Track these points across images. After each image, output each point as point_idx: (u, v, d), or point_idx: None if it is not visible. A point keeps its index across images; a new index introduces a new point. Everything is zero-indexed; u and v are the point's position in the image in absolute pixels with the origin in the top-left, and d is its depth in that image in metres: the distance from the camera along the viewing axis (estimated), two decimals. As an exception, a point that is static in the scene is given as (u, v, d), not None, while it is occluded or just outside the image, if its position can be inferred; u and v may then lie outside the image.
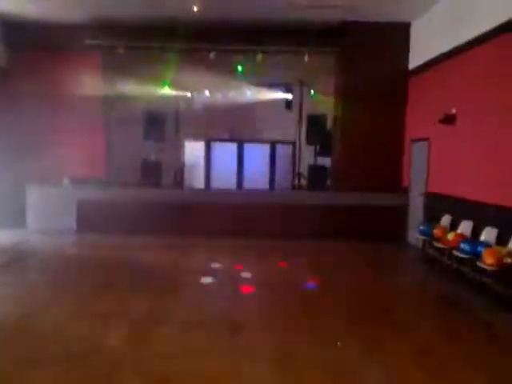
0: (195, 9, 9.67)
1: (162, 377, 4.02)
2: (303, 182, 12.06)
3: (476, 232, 7.49)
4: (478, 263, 6.58)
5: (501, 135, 7.09)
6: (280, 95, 12.72)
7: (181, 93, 12.45)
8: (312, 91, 12.38)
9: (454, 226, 8.23)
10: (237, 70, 11.71)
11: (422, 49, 10.11)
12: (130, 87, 11.36)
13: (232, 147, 11.62)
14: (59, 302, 5.94)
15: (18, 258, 8.49)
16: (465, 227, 7.83)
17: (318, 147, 11.69)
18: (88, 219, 10.60)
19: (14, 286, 6.66)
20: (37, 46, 11.11)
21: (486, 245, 6.79)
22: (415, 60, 10.49)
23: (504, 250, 6.37)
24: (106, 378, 4.00)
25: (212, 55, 10.95)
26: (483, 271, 6.73)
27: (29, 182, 10.77)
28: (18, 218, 10.73)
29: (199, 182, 11.51)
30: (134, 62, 10.96)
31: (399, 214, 10.69)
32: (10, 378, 3.96)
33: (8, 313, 5.52)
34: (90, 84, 11.14)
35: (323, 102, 11.96)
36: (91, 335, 4.89)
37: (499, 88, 7.16)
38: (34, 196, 10.79)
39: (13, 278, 7.13)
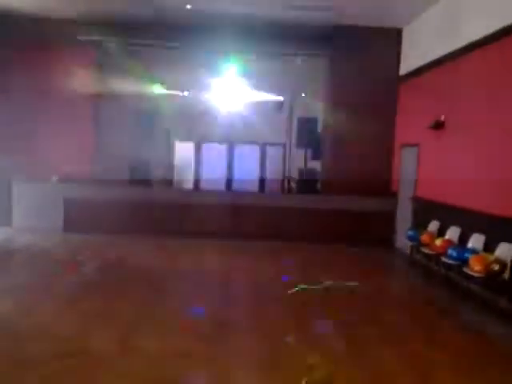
0: (188, 6, 9.65)
1: (150, 378, 3.98)
2: (293, 185, 12.07)
3: (464, 238, 7.54)
4: (465, 269, 6.62)
5: (489, 142, 7.14)
6: (271, 97, 12.70)
7: (172, 92, 12.39)
8: (303, 94, 12.40)
9: (441, 232, 8.28)
10: (227, 72, 11.67)
11: (413, 55, 10.18)
12: (122, 85, 11.27)
13: (222, 148, 11.59)
14: (45, 302, 5.85)
15: (2, 257, 8.36)
16: (452, 233, 7.88)
17: (308, 151, 11.69)
18: (75, 218, 10.48)
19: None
20: (27, 41, 10.97)
21: (474, 251, 6.83)
22: (406, 66, 10.56)
23: (491, 257, 6.42)
24: (92, 378, 3.95)
25: (204, 56, 10.92)
26: (470, 277, 6.78)
27: (15, 178, 10.63)
28: (4, 216, 10.59)
29: (188, 183, 11.46)
30: (127, 59, 10.88)
31: (388, 219, 10.73)
32: (1, 380, 3.90)
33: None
34: (80, 80, 11.05)
35: (314, 105, 11.98)
36: (77, 336, 4.83)
37: (488, 95, 7.23)
38: (21, 193, 10.65)
39: (-3, 276, 7.03)
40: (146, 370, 4.16)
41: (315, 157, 11.72)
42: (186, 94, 12.56)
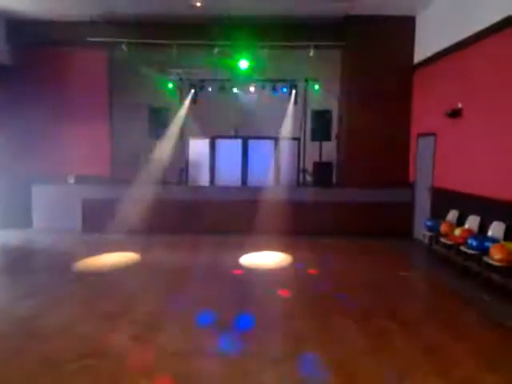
0: (198, 4, 9.64)
1: (170, 376, 4.00)
2: (308, 178, 12.00)
3: (483, 227, 7.42)
4: (486, 259, 6.52)
5: (509, 128, 7.00)
6: (284, 90, 12.61)
7: (186, 89, 12.40)
8: (317, 86, 12.29)
9: (461, 222, 8.16)
10: (240, 66, 11.60)
11: (428, 42, 10.01)
12: (135, 84, 11.34)
13: (236, 144, 11.55)
14: (67, 303, 5.93)
15: (24, 258, 8.50)
16: (472, 222, 7.76)
17: (322, 144, 11.59)
18: (93, 218, 10.60)
19: (21, 286, 6.66)
20: (40, 43, 11.11)
21: (494, 240, 6.73)
22: (420, 54, 10.39)
23: (512, 246, 6.31)
24: (112, 378, 3.99)
25: (216, 51, 10.88)
26: (491, 267, 6.67)
27: (34, 180, 10.79)
28: (24, 217, 10.77)
29: (204, 180, 11.46)
30: (139, 58, 10.92)
31: (405, 210, 10.62)
32: (22, 380, 3.95)
33: (16, 314, 5.51)
34: (94, 81, 11.16)
35: (328, 97, 11.87)
36: (97, 335, 4.88)
37: (506, 80, 7.07)
38: (40, 195, 10.80)
39: (20, 278, 7.13)
40: (166, 367, 4.18)
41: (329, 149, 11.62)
42: (199, 90, 12.57)
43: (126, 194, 10.64)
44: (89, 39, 10.79)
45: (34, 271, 7.64)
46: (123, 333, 4.93)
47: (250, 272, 7.56)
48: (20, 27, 10.99)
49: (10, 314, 5.49)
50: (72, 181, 10.92)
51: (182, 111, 12.15)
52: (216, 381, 3.98)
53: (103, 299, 6.05)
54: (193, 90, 12.50)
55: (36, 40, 11.10)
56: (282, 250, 9.07)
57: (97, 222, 10.56)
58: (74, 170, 11.01)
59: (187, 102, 12.35)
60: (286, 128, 12.18)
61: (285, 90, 12.34)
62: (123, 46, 10.83)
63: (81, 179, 10.97)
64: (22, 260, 8.34)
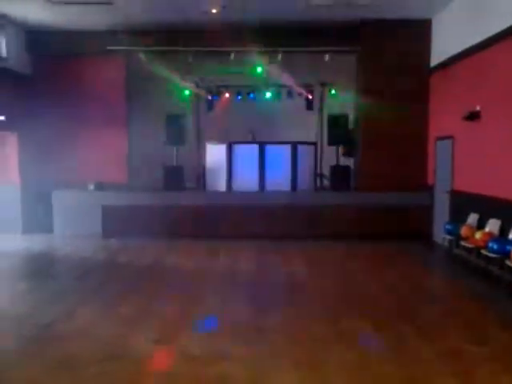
0: (214, 10, 9.73)
1: (190, 380, 4.04)
2: (326, 182, 11.99)
3: (504, 230, 7.33)
4: (507, 262, 6.44)
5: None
6: (300, 95, 12.64)
7: (203, 94, 12.52)
8: (333, 91, 12.29)
9: (481, 225, 8.08)
10: (256, 70, 11.66)
11: (444, 45, 9.95)
12: (152, 92, 11.50)
13: (253, 149, 11.60)
14: (88, 307, 6.02)
15: (46, 263, 8.65)
16: (493, 226, 7.67)
17: (340, 148, 11.57)
18: (113, 223, 10.74)
19: (42, 290, 6.78)
20: (59, 52, 11.34)
21: (515, 243, 6.64)
22: (437, 57, 10.33)
23: (534, 249, 6.22)
24: (132, 381, 4.03)
25: (232, 56, 10.96)
26: (513, 270, 6.60)
27: (54, 187, 10.99)
28: (46, 223, 10.96)
29: (221, 185, 11.53)
30: (157, 65, 11.07)
31: (424, 213, 10.54)
32: (42, 382, 4.02)
33: (37, 318, 5.60)
34: (112, 89, 11.36)
35: (344, 101, 11.87)
36: (116, 339, 4.94)
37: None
38: (61, 201, 10.99)
39: (41, 282, 7.25)
40: (186, 371, 4.22)
41: (348, 153, 11.60)
42: (215, 96, 12.68)
43: (144, 200, 10.79)
44: (108, 48, 10.97)
45: (55, 276, 7.77)
46: (144, 336, 4.98)
47: (271, 275, 7.58)
48: (39, 37, 11.23)
49: (33, 318, 5.59)
50: (92, 187, 11.08)
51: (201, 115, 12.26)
52: (236, 384, 4.00)
53: (124, 303, 6.11)
54: (209, 97, 12.63)
55: (55, 50, 11.34)
56: (297, 255, 9.08)
57: (116, 227, 10.71)
58: (93, 177, 11.17)
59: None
60: (303, 133, 12.20)
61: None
62: (141, 55, 10.99)
63: (100, 186, 11.13)
64: (44, 265, 8.48)
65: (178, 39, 11.06)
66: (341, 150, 11.63)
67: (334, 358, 4.47)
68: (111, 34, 11.05)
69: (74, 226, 10.89)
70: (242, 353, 4.59)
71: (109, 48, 10.99)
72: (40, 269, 8.25)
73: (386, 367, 4.29)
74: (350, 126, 11.51)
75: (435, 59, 10.45)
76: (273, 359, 4.46)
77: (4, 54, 10.39)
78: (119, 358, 4.44)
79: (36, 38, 11.26)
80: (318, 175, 11.94)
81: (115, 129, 11.55)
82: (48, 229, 10.99)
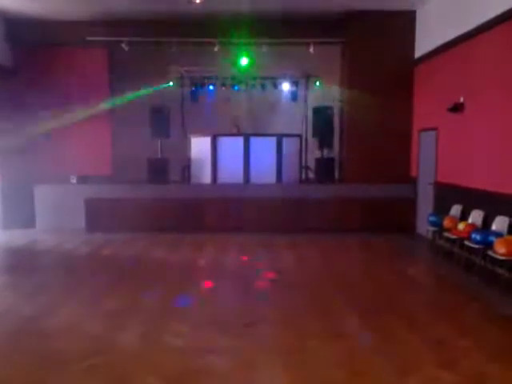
0: (197, 0, 9.61)
1: (177, 373, 4.02)
2: (311, 174, 12.00)
3: (487, 221, 7.42)
4: (490, 253, 6.52)
5: (510, 124, 6.98)
6: (285, 87, 12.61)
7: (187, 87, 12.39)
8: (318, 83, 12.28)
9: (464, 216, 8.16)
10: (240, 63, 11.58)
11: (428, 36, 9.99)
12: (136, 83, 11.35)
13: (238, 141, 11.55)
14: (72, 301, 5.95)
15: (29, 258, 8.52)
16: (475, 217, 7.75)
17: (324, 140, 11.58)
18: (97, 217, 10.62)
19: (26, 285, 6.67)
20: (41, 43, 11.11)
21: (498, 234, 6.72)
22: (421, 48, 10.37)
23: (516, 240, 6.30)
24: (119, 376, 4.00)
25: (216, 48, 10.86)
26: (495, 261, 6.68)
27: (36, 181, 10.81)
28: (28, 218, 10.79)
29: (206, 178, 11.47)
30: (140, 56, 10.93)
31: (408, 205, 10.62)
32: (26, 379, 3.97)
33: (21, 313, 5.52)
34: (95, 80, 11.18)
35: (329, 93, 11.86)
36: (103, 334, 4.89)
37: (509, 74, 7.05)
38: (43, 195, 10.82)
39: (25, 277, 7.14)
40: (173, 364, 4.19)
41: (332, 145, 11.61)
42: (199, 87, 12.56)
43: (128, 193, 10.68)
44: (88, 38, 10.79)
45: (38, 271, 7.65)
46: (130, 331, 4.94)
47: (257, 267, 7.58)
48: (19, 27, 10.97)
49: (15, 313, 5.50)
50: (74, 181, 10.92)
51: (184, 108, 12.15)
52: (225, 377, 3.98)
53: (109, 297, 6.05)
54: (193, 88, 12.51)
55: (35, 40, 11.10)
56: (283, 248, 9.10)
57: (100, 221, 10.59)
58: (75, 170, 11.02)
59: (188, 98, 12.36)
60: (288, 125, 12.19)
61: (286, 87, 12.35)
62: (123, 45, 10.83)
63: (83, 179, 10.98)
64: (26, 260, 8.35)
65: (161, 30, 10.91)
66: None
67: (321, 349, 4.49)
68: (94, 24, 10.87)
69: (57, 221, 10.74)
70: (228, 345, 4.58)
71: (91, 38, 10.80)
72: (22, 263, 8.12)
73: (374, 358, 4.32)
74: (335, 117, 11.52)
75: (419, 51, 10.49)
76: (259, 351, 4.45)
77: (-18, 44, 10.16)
78: (106, 353, 4.40)
79: (16, 29, 11.00)
80: (303, 167, 11.95)
81: (98, 121, 11.37)
82: (30, 224, 10.82)
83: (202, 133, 11.73)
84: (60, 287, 6.61)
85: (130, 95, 11.35)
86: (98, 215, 10.61)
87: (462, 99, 8.40)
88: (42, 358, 4.31)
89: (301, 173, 11.87)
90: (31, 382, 3.91)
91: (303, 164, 11.93)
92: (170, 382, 3.88)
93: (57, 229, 10.58)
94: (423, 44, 10.27)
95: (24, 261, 8.29)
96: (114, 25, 10.82)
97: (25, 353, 4.43)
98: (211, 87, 12.41)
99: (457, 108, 8.45)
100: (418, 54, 10.58)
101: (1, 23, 10.85)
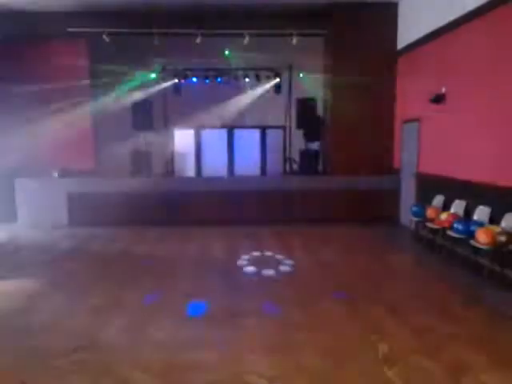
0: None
1: (162, 367, 4.01)
2: (295, 166, 12.03)
3: (469, 211, 7.52)
4: (472, 242, 6.62)
5: (492, 113, 7.07)
6: (268, 79, 12.57)
7: (169, 78, 12.28)
8: (301, 74, 12.27)
9: (446, 206, 8.26)
10: (224, 54, 11.51)
11: (410, 28, 10.03)
12: (118, 75, 11.20)
13: (222, 134, 11.52)
14: (55, 296, 5.89)
15: (10, 253, 8.40)
16: (457, 207, 7.86)
17: (307, 132, 11.60)
18: (79, 211, 10.50)
19: (8, 281, 6.58)
20: (19, 34, 10.84)
21: (479, 224, 6.82)
22: (404, 40, 10.41)
23: (497, 229, 6.41)
24: (105, 370, 3.97)
25: (198, 40, 10.76)
26: (477, 250, 6.79)
27: (17, 175, 10.63)
28: (9, 213, 10.62)
29: (190, 171, 11.42)
30: (121, 48, 10.77)
31: (391, 196, 10.71)
32: (11, 373, 3.92)
33: (4, 308, 5.45)
34: (76, 73, 11.00)
35: (312, 85, 11.86)
36: (88, 328, 4.86)
37: (490, 64, 7.13)
38: (24, 190, 10.65)
39: (6, 272, 7.04)
40: (158, 358, 4.18)
41: (315, 137, 11.63)
42: (182, 80, 12.46)
43: (111, 186, 10.57)
44: (69, 30, 10.60)
45: (19, 266, 7.54)
46: (114, 325, 4.91)
47: (243, 260, 7.58)
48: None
49: (-1, 310, 5.45)
50: (56, 175, 10.77)
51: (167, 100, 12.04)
52: (211, 371, 3.99)
53: (93, 293, 6.00)
54: (176, 80, 12.40)
55: (15, 32, 10.83)
56: (269, 239, 9.12)
57: (83, 215, 10.48)
58: (57, 164, 10.85)
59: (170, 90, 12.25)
60: (272, 116, 12.18)
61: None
62: (104, 36, 10.66)
63: (65, 173, 10.83)
64: (7, 255, 8.23)
65: (143, 20, 10.77)
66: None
67: (307, 341, 4.52)
68: (73, 15, 10.66)
69: (39, 215, 10.59)
70: (215, 339, 4.59)
71: (71, 30, 10.61)
72: (4, 259, 8.00)
73: (360, 346, 4.36)
74: (318, 109, 11.54)
75: (402, 42, 10.54)
76: (246, 344, 4.47)
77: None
78: (91, 348, 4.37)
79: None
80: (287, 159, 11.97)
81: (79, 114, 11.18)
82: (11, 218, 10.65)
83: (185, 125, 11.65)
84: (42, 282, 6.52)
85: (112, 94, 11.21)
86: (81, 209, 10.50)
87: (443, 90, 8.47)
88: (27, 354, 4.26)
89: (285, 165, 11.88)
90: (17, 378, 3.87)
91: (287, 155, 11.94)
92: (156, 377, 3.88)
93: (39, 223, 10.44)
94: (405, 35, 10.32)
95: (5, 256, 8.17)
96: (96, 15, 10.62)
97: (12, 349, 4.39)
98: (194, 79, 12.30)
99: (439, 99, 8.52)
100: (400, 45, 10.63)
101: (-23, 14, 10.59)
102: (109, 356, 4.25)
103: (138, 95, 11.27)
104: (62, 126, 11.01)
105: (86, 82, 11.22)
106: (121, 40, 10.83)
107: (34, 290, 6.20)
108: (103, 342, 4.53)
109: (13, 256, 8.22)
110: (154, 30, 10.66)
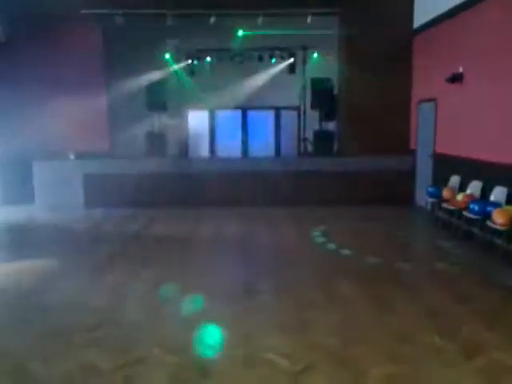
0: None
1: (179, 344, 4.09)
2: (309, 147, 11.97)
3: (485, 192, 7.45)
4: (489, 223, 6.57)
5: (510, 94, 6.94)
6: (282, 59, 12.48)
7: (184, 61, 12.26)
8: (315, 54, 12.14)
9: (462, 187, 8.19)
10: (237, 34, 11.41)
11: (427, 5, 9.81)
12: (131, 56, 11.20)
13: (236, 115, 11.49)
14: (73, 275, 6.00)
15: (29, 233, 8.55)
16: (474, 188, 7.78)
17: (322, 112, 11.51)
18: (95, 193, 10.61)
19: (27, 260, 6.72)
20: (32, 16, 10.84)
21: (496, 205, 6.75)
22: (420, 18, 10.20)
23: (514, 210, 6.34)
24: (122, 348, 4.06)
25: (212, 20, 10.67)
26: (494, 231, 6.73)
27: (34, 156, 10.75)
28: (27, 195, 10.78)
29: (204, 151, 11.45)
30: (135, 30, 10.74)
31: (407, 177, 10.62)
32: (28, 351, 4.03)
33: (22, 287, 5.58)
34: (90, 54, 11.01)
35: (327, 64, 11.74)
36: (105, 307, 4.95)
37: (510, 42, 6.97)
38: (41, 171, 10.79)
39: (25, 252, 7.18)
40: (176, 335, 4.26)
41: (329, 118, 11.53)
42: (196, 62, 12.42)
43: (126, 168, 10.65)
44: (83, 11, 10.58)
45: (38, 246, 7.68)
46: (132, 303, 5.01)
47: (258, 240, 7.63)
48: (12, 3, 10.70)
49: (17, 287, 5.56)
50: (72, 156, 10.88)
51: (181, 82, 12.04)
52: (227, 348, 4.05)
53: (111, 270, 6.11)
54: (190, 61, 12.36)
55: (28, 14, 10.84)
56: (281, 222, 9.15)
57: (99, 196, 10.59)
58: (72, 146, 10.93)
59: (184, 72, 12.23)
60: (286, 97, 12.10)
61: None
62: (117, 18, 10.63)
63: (81, 155, 10.92)
64: (26, 235, 8.38)
65: (156, 1, 10.70)
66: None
67: (321, 319, 4.56)
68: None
69: (56, 197, 10.73)
70: (230, 315, 4.65)
71: (85, 11, 10.59)
72: (22, 239, 8.15)
73: (373, 327, 4.40)
74: (334, 89, 11.41)
75: (418, 20, 10.32)
76: (260, 321, 4.52)
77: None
78: (107, 326, 4.46)
79: (9, 4, 10.73)
80: (301, 140, 11.91)
81: (94, 96, 11.20)
82: (29, 200, 10.82)
83: (199, 106, 11.64)
84: (60, 262, 6.65)
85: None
86: (97, 191, 10.61)
87: (461, 69, 8.32)
88: (50, 332, 4.36)
89: (299, 145, 11.84)
90: (35, 354, 3.97)
91: (301, 136, 11.89)
92: (174, 353, 3.94)
93: (56, 205, 10.58)
94: (422, 14, 10.10)
95: (24, 236, 8.32)
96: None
97: (32, 327, 4.48)
98: (208, 60, 12.25)
99: (456, 78, 8.38)
100: (416, 24, 10.42)
101: (-8, -4, 10.62)
102: (125, 334, 4.33)
103: (152, 76, 11.24)
104: (77, 108, 11.08)
105: (100, 62, 11.22)
106: (134, 22, 10.77)
107: (52, 269, 6.32)
108: (122, 319, 4.62)
109: (31, 236, 8.37)
110: (168, 11, 10.59)
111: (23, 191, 10.80)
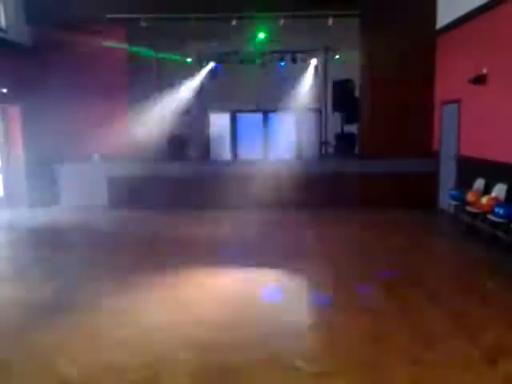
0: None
1: (201, 344, 4.14)
2: (330, 149, 11.95)
3: (511, 195, 7.33)
4: (514, 227, 6.47)
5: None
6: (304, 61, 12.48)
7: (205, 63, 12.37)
8: (337, 56, 12.10)
9: (487, 190, 8.07)
10: (258, 37, 11.46)
11: (451, 6, 9.70)
12: (154, 60, 11.34)
13: (257, 117, 11.54)
14: (97, 277, 6.11)
15: (55, 235, 8.73)
16: (499, 191, 7.66)
17: (344, 115, 11.47)
18: (119, 195, 10.78)
19: (51, 262, 6.86)
20: (59, 22, 11.06)
21: (522, 208, 6.64)
22: (443, 18, 10.09)
23: (541, 213, 6.23)
24: (146, 347, 4.13)
25: (233, 23, 10.73)
26: (518, 235, 6.63)
27: (60, 159, 10.97)
28: (52, 196, 11.01)
29: (226, 154, 11.52)
30: (159, 34, 10.87)
31: (430, 180, 10.51)
32: (64, 346, 4.13)
33: (46, 289, 5.67)
34: (114, 58, 11.17)
35: (349, 66, 11.68)
36: (131, 305, 5.04)
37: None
38: (66, 173, 11.02)
39: (50, 253, 7.32)
40: (198, 336, 4.31)
41: (352, 120, 11.49)
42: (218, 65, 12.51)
43: (149, 170, 10.78)
44: (108, 16, 10.75)
45: (64, 247, 7.84)
46: (154, 303, 5.09)
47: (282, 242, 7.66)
48: (38, 6, 10.95)
49: (42, 288, 5.69)
50: (97, 159, 11.07)
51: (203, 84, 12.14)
52: (249, 350, 4.08)
53: (134, 272, 6.20)
54: (212, 64, 12.46)
55: (54, 19, 11.05)
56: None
57: (122, 199, 10.75)
58: (97, 149, 11.11)
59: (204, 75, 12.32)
60: (307, 100, 12.10)
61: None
62: (142, 22, 10.77)
63: (105, 157, 11.10)
64: (52, 236, 8.56)
65: (178, 5, 10.80)
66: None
67: (346, 321, 4.57)
68: (112, 2, 10.80)
69: (81, 198, 10.94)
70: (254, 317, 4.69)
71: (109, 16, 10.77)
72: (49, 240, 8.32)
73: (396, 329, 4.38)
74: (355, 91, 11.36)
75: (441, 21, 10.21)
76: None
77: (3, 24, 10.22)
78: (132, 327, 4.53)
79: (35, 8, 11.00)
80: (322, 143, 11.90)
81: (117, 100, 11.37)
82: (54, 202, 11.05)
83: (221, 109, 11.72)
84: (86, 262, 6.78)
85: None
86: (121, 193, 10.78)
87: (484, 71, 8.21)
88: (78, 331, 4.47)
89: (320, 148, 11.82)
90: (60, 357, 4.06)
91: (323, 139, 11.87)
92: (195, 354, 3.99)
93: (80, 206, 10.79)
94: (445, 14, 9.99)
95: (50, 237, 8.51)
96: (134, 1, 10.73)
97: (55, 327, 4.59)
98: (230, 63, 12.33)
99: (479, 80, 8.27)
100: (440, 24, 10.31)
101: (20, 3, 10.86)
102: (149, 333, 4.40)
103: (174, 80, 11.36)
104: (100, 112, 11.23)
105: (124, 67, 11.37)
106: (157, 25, 10.90)
107: (76, 269, 6.45)
108: (145, 322, 4.69)
109: (57, 237, 8.55)
110: (190, 15, 10.69)
111: (49, 193, 11.03)
